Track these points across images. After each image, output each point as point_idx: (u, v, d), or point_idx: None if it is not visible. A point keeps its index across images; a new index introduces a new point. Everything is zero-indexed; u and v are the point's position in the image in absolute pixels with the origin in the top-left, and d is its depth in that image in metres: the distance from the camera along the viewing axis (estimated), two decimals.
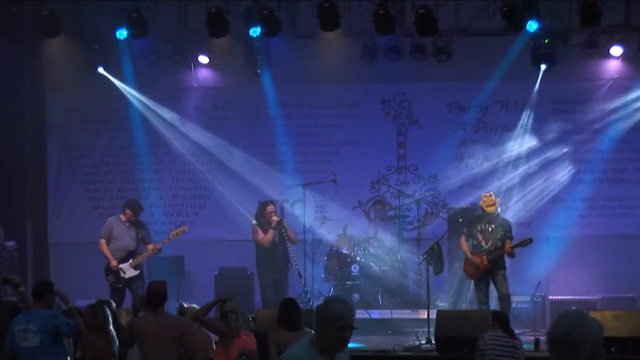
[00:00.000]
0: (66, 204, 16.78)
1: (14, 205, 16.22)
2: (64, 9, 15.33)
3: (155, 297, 8.99)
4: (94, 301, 9.72)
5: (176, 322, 9.02)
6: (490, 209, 13.09)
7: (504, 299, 12.88)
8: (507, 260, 13.18)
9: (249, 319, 9.91)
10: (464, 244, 13.32)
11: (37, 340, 8.57)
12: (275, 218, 14.08)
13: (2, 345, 8.93)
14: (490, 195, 13.34)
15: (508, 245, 12.96)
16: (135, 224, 14.07)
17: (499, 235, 13.05)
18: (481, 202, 13.27)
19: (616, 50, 15.62)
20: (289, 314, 9.70)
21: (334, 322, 5.40)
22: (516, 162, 16.23)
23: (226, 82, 16.71)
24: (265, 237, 14.04)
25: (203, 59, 16.22)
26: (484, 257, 12.99)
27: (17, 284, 9.29)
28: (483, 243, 13.09)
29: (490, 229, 13.11)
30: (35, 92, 16.68)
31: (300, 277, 14.24)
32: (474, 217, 13.58)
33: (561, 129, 16.11)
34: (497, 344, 9.85)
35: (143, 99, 16.49)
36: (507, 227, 13.18)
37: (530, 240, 12.99)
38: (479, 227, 13.18)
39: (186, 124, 16.66)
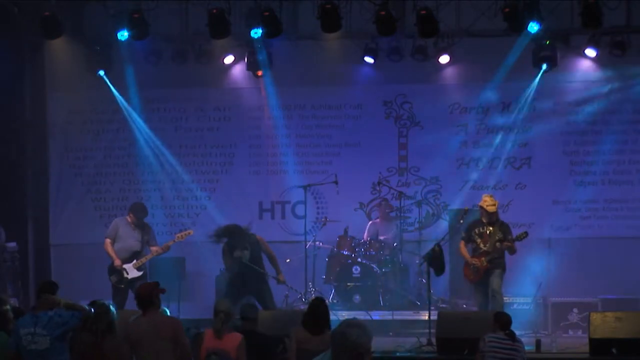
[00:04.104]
0: (67, 205, 16.77)
1: (16, 206, 16.21)
2: (65, 9, 15.32)
3: (139, 299, 8.97)
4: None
5: (169, 322, 8.97)
6: (490, 208, 13.07)
7: (493, 294, 12.86)
8: (508, 261, 13.18)
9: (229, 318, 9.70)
10: (463, 249, 13.30)
11: (47, 343, 8.58)
12: None
13: None
14: (491, 196, 13.34)
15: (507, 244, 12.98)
16: (141, 226, 14.07)
17: (497, 237, 13.04)
18: (481, 203, 13.24)
19: (617, 52, 15.58)
20: (314, 315, 9.75)
21: (350, 349, 5.18)
22: (517, 163, 16.22)
23: (227, 83, 16.71)
24: None
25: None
26: (483, 258, 12.98)
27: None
28: (482, 245, 13.06)
29: (488, 232, 13.09)
30: (37, 93, 16.67)
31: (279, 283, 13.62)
32: (471, 222, 13.54)
33: (562, 131, 16.12)
34: (497, 346, 9.82)
35: (144, 100, 16.49)
36: (505, 230, 13.15)
37: (526, 234, 12.99)
38: (476, 230, 13.17)
39: (187, 125, 16.67)
